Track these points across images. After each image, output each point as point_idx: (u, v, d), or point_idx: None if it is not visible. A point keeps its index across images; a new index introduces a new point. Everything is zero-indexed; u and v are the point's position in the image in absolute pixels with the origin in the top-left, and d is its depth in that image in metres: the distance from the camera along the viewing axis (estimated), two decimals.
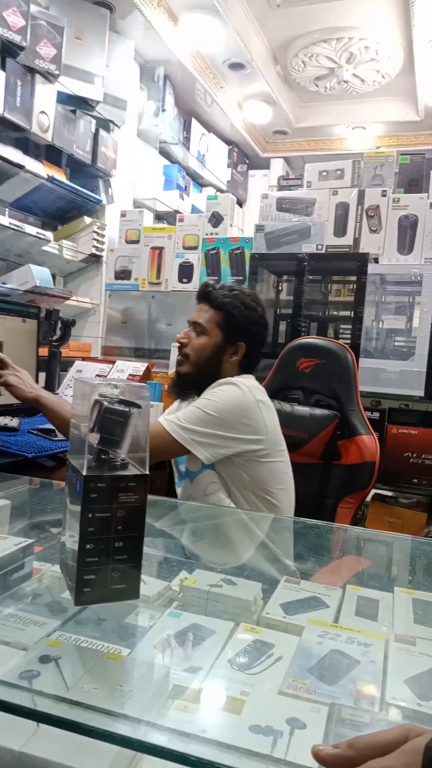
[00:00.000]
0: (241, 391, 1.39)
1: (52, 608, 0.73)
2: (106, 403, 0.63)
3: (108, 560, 0.61)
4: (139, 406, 0.64)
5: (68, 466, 0.68)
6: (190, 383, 1.50)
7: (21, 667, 0.55)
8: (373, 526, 2.12)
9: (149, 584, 0.78)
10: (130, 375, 2.35)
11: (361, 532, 1.29)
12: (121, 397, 0.64)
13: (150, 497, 0.65)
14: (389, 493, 2.32)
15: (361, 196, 2.28)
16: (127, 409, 0.63)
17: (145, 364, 2.38)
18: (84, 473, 0.60)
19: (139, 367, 2.36)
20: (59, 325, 2.21)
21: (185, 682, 0.58)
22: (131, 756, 0.49)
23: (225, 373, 1.48)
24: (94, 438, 0.64)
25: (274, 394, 1.84)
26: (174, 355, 2.51)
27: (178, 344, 1.52)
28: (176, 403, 1.66)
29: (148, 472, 0.63)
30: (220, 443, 1.35)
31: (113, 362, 2.43)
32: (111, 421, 0.63)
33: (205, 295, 1.50)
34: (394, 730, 0.37)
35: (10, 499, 0.98)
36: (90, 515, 0.60)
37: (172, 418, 1.37)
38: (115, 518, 0.61)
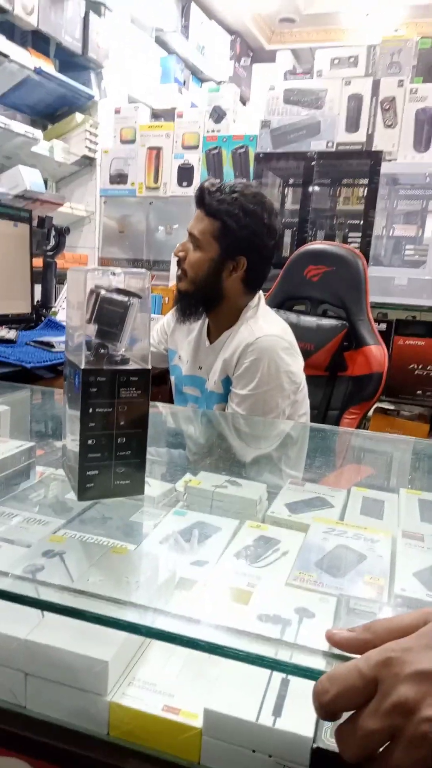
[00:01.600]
0: (276, 360, 1.31)
1: (56, 509, 0.73)
2: (103, 293, 0.58)
3: (111, 456, 0.58)
4: (139, 296, 0.59)
5: (66, 364, 0.65)
6: (191, 302, 1.38)
7: (24, 561, 0.54)
8: None
9: (153, 486, 0.77)
10: None
11: (366, 435, 1.28)
12: (119, 286, 0.59)
13: (155, 404, 0.62)
14: (391, 407, 2.32)
15: (375, 86, 2.09)
16: (126, 299, 0.59)
17: None
18: (82, 367, 0.56)
19: None
20: (53, 233, 2.11)
21: (192, 575, 0.57)
22: (139, 643, 0.49)
23: (228, 291, 1.35)
24: (91, 331, 0.59)
25: (279, 305, 1.78)
26: (173, 267, 2.43)
27: (176, 258, 1.39)
28: (168, 317, 1.57)
29: (149, 367, 0.60)
30: (287, 407, 1.35)
31: None
32: (109, 311, 0.58)
33: (200, 199, 1.31)
34: (412, 613, 0.35)
35: (9, 405, 0.95)
36: (90, 410, 0.57)
37: (234, 415, 1.32)
38: (117, 414, 0.58)
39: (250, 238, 1.30)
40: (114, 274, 0.59)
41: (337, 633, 0.36)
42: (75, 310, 0.63)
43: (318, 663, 0.37)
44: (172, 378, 1.56)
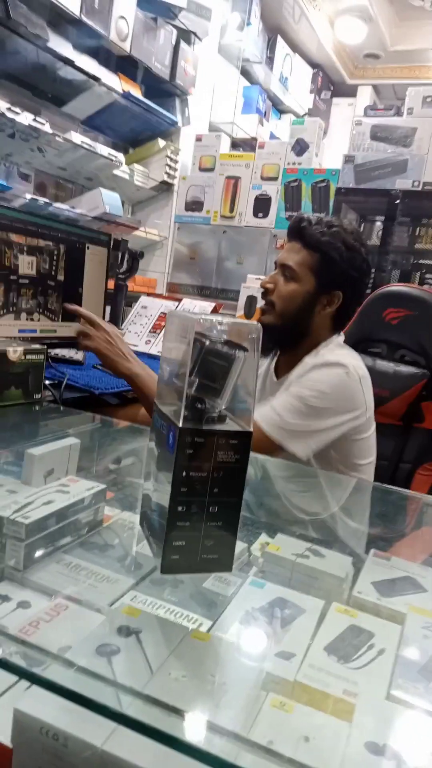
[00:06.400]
0: (347, 376, 1.20)
1: (125, 564, 0.67)
2: (207, 343, 0.52)
3: (200, 526, 0.52)
4: (245, 349, 0.54)
5: (155, 412, 0.59)
6: (274, 337, 1.31)
7: (98, 639, 0.48)
8: None
9: None
10: None
11: None
12: (225, 337, 0.53)
13: None
14: None
15: None
16: (231, 352, 0.53)
17: (213, 305, 2.26)
18: (180, 425, 0.51)
19: (206, 307, 2.25)
20: (127, 256, 2.11)
21: (279, 672, 0.50)
22: None
23: (315, 326, 1.29)
24: (190, 384, 0.54)
25: (353, 346, 1.68)
26: (242, 298, 2.39)
27: (262, 289, 1.33)
28: None
29: (251, 429, 0.54)
30: (321, 437, 1.19)
31: (179, 300, 2.33)
32: (213, 364, 0.53)
33: (298, 231, 1.28)
34: None
35: (79, 438, 0.91)
36: (183, 474, 0.51)
37: (269, 411, 1.19)
38: (211, 479, 0.52)
39: (349, 273, 1.27)
40: (220, 323, 0.54)
41: None
42: (171, 357, 0.58)
43: None
44: None
